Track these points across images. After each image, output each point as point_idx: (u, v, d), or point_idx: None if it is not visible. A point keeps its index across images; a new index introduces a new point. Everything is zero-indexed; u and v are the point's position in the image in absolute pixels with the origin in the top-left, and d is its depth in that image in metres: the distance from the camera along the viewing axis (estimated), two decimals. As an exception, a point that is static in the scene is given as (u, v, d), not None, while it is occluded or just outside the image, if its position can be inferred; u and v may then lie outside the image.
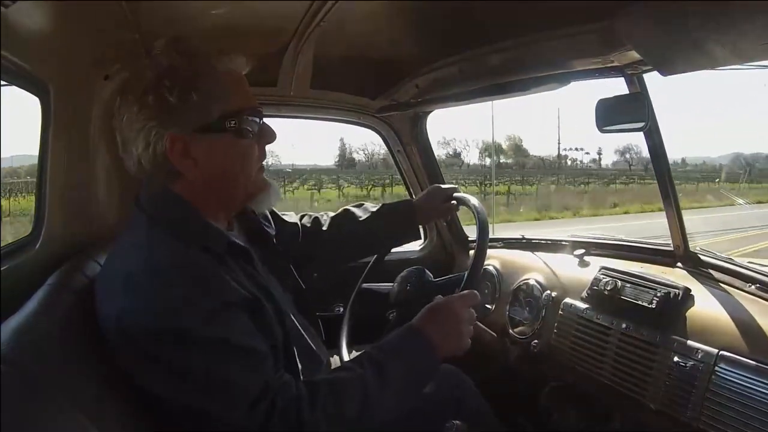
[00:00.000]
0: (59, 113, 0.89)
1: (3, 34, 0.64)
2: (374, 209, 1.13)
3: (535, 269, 1.32)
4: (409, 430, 0.83)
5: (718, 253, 1.09)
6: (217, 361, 0.64)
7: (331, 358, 0.99)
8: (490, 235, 1.15)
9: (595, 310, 1.10)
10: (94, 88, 0.98)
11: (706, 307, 0.94)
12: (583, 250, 1.28)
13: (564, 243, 1.37)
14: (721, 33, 0.72)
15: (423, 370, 0.77)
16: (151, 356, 0.64)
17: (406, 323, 0.80)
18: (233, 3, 0.91)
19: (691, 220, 1.12)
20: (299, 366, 0.77)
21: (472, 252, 1.07)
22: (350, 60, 1.30)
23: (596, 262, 1.21)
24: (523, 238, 1.52)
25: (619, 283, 1.06)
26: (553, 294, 1.22)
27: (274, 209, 1.01)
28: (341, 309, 1.47)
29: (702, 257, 1.07)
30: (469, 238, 1.68)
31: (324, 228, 1.10)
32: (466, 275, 0.91)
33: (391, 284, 1.21)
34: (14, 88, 0.80)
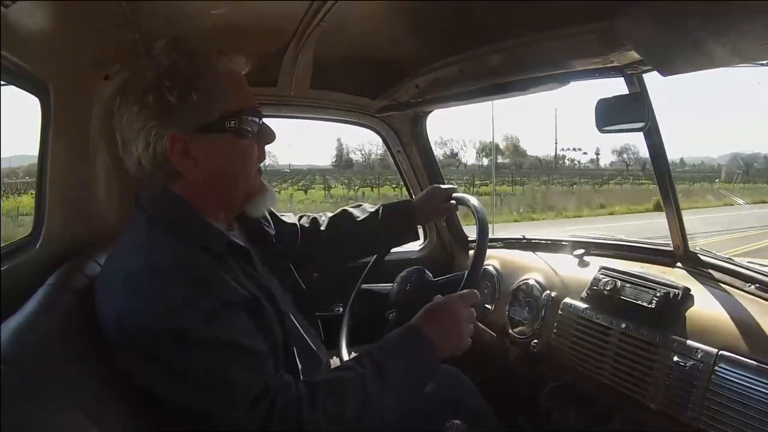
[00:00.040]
0: (59, 113, 0.89)
1: (3, 34, 0.64)
2: (373, 209, 1.13)
3: (534, 269, 1.32)
4: (409, 430, 0.83)
5: (718, 253, 1.09)
6: (217, 361, 0.64)
7: (331, 359, 0.99)
8: (490, 235, 1.15)
9: (595, 310, 1.10)
10: (94, 88, 0.98)
11: (705, 307, 0.94)
12: (582, 250, 1.28)
13: (564, 243, 1.37)
14: (721, 33, 0.72)
15: (423, 369, 0.77)
16: (151, 356, 0.64)
17: (406, 323, 0.80)
18: (233, 3, 0.91)
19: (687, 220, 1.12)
20: (299, 366, 0.77)
21: (471, 252, 1.07)
22: (350, 60, 1.30)
23: (596, 262, 1.21)
24: (524, 238, 1.52)
25: (619, 283, 1.06)
26: (553, 294, 1.22)
27: (273, 210, 1.01)
28: (341, 309, 1.47)
29: (702, 257, 1.07)
30: (469, 238, 1.68)
31: (322, 228, 1.10)
32: (465, 275, 0.91)
33: (391, 284, 1.21)
34: (14, 88, 0.80)
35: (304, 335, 0.87)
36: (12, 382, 0.51)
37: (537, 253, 1.40)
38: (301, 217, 1.12)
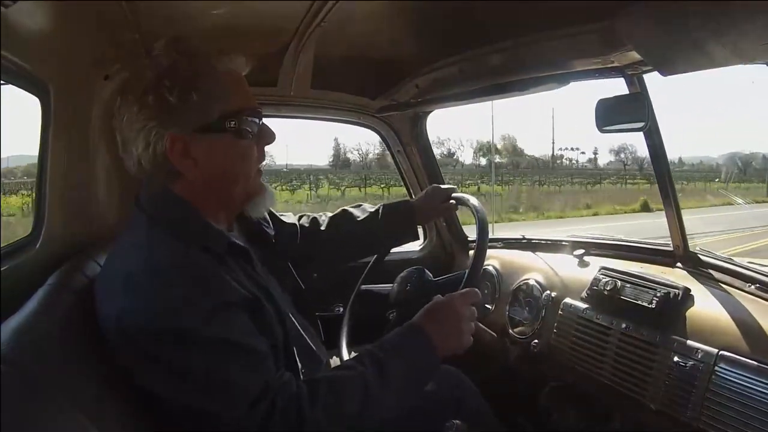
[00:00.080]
0: (59, 113, 0.89)
1: (3, 34, 0.64)
2: (373, 209, 1.13)
3: (534, 269, 1.32)
4: (409, 430, 0.83)
5: (717, 253, 1.09)
6: (217, 361, 0.64)
7: (331, 359, 0.99)
8: (490, 235, 1.15)
9: (595, 310, 1.10)
10: (94, 88, 0.98)
11: (705, 307, 0.94)
12: (582, 250, 1.28)
13: (564, 243, 1.37)
14: (722, 33, 0.72)
15: (424, 368, 0.77)
16: (151, 356, 0.64)
17: (407, 322, 0.80)
18: (233, 3, 0.91)
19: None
20: (299, 366, 0.77)
21: (471, 252, 1.07)
22: (350, 60, 1.30)
23: (596, 262, 1.21)
24: (524, 238, 1.52)
25: (619, 283, 1.06)
26: (553, 294, 1.22)
27: (272, 210, 1.01)
28: (341, 309, 1.47)
29: (702, 257, 1.07)
30: (469, 238, 1.68)
31: (322, 228, 1.10)
32: (466, 274, 0.91)
33: (391, 284, 1.21)
34: (14, 88, 0.80)
35: (304, 335, 0.87)
36: (12, 382, 0.51)
37: (537, 253, 1.40)
38: (300, 217, 1.12)
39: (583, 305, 1.13)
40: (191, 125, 0.71)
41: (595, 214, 14.01)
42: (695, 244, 1.11)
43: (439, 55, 1.21)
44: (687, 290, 0.97)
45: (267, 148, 0.81)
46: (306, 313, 0.93)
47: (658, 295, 0.98)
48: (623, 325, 1.02)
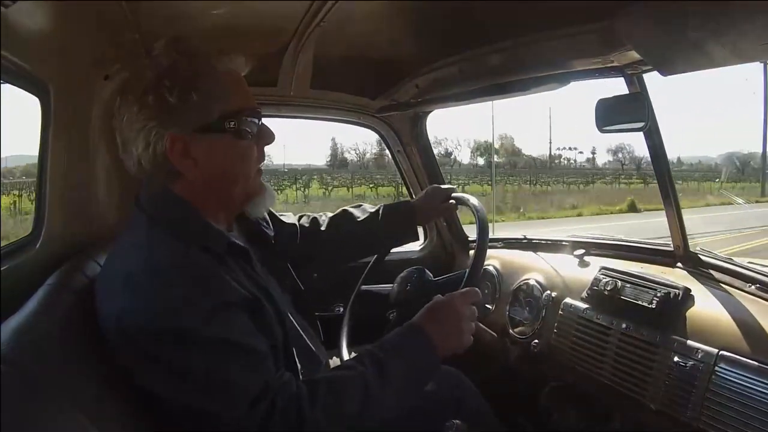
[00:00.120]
0: (59, 113, 0.89)
1: (3, 34, 0.64)
2: (373, 210, 1.13)
3: (535, 269, 1.32)
4: (409, 430, 0.83)
5: (718, 254, 1.09)
6: (217, 361, 0.64)
7: (331, 359, 0.99)
8: (491, 235, 1.15)
9: (595, 310, 1.10)
10: (94, 88, 0.98)
11: (706, 307, 0.94)
12: (583, 250, 1.28)
13: (564, 243, 1.37)
14: (722, 33, 0.72)
15: (424, 368, 0.77)
16: (151, 356, 0.64)
17: (407, 321, 0.80)
18: (233, 3, 0.91)
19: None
20: (298, 366, 0.77)
21: (472, 252, 1.07)
22: (350, 60, 1.30)
23: (596, 262, 1.21)
24: (524, 238, 1.52)
25: (619, 283, 1.06)
26: (553, 294, 1.22)
27: (272, 210, 1.01)
28: (341, 309, 1.47)
29: (702, 257, 1.07)
30: (469, 238, 1.68)
31: (322, 228, 1.10)
32: (466, 274, 0.91)
33: (391, 285, 1.21)
34: (14, 88, 0.80)
35: (303, 335, 0.87)
36: (12, 382, 0.51)
37: (537, 253, 1.40)
38: (300, 217, 1.12)
39: (583, 305, 1.13)
40: (191, 125, 0.71)
41: (579, 215, 13.71)
42: (695, 244, 1.11)
43: (439, 55, 1.21)
44: (687, 290, 0.97)
45: (266, 148, 0.81)
46: (305, 314, 0.93)
47: (659, 295, 0.98)
48: (623, 325, 1.02)
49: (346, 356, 1.04)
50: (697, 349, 0.88)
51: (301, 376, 0.75)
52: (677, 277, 1.04)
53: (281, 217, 1.06)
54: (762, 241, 7.24)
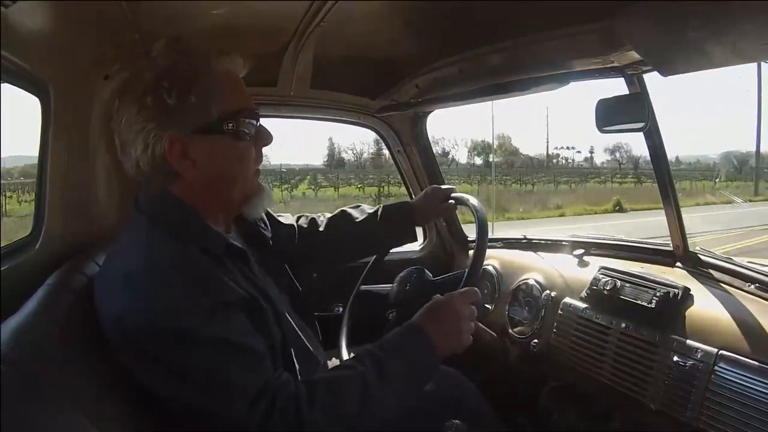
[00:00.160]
0: (59, 113, 0.89)
1: (3, 34, 0.64)
2: (372, 210, 1.13)
3: (534, 269, 1.32)
4: (409, 430, 0.83)
5: (717, 253, 1.09)
6: (216, 361, 0.64)
7: (330, 360, 0.99)
8: (490, 235, 1.15)
9: (595, 310, 1.10)
10: (94, 88, 0.98)
11: (705, 306, 0.94)
12: (582, 250, 1.28)
13: (563, 243, 1.37)
14: (722, 33, 0.72)
15: (424, 368, 0.77)
16: (150, 356, 0.64)
17: (407, 321, 0.80)
18: (233, 3, 0.91)
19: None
20: (297, 366, 0.77)
21: (471, 252, 1.07)
22: (350, 60, 1.30)
23: (596, 262, 1.21)
24: (524, 238, 1.52)
25: (619, 282, 1.06)
26: (553, 294, 1.22)
27: (270, 211, 1.01)
28: (340, 309, 1.47)
29: (702, 257, 1.07)
30: (469, 238, 1.68)
31: (321, 229, 1.10)
32: (465, 274, 0.91)
33: (391, 285, 1.21)
34: (14, 88, 0.80)
35: (301, 335, 0.87)
36: (12, 382, 0.51)
37: (537, 253, 1.40)
38: (299, 218, 1.12)
39: (582, 305, 1.13)
40: (190, 126, 0.71)
41: (561, 215, 13.39)
42: (698, 244, 1.11)
43: (439, 55, 1.21)
44: (687, 290, 0.97)
45: (263, 149, 0.81)
46: (303, 314, 0.93)
47: (658, 294, 0.98)
48: (623, 325, 1.02)
49: (345, 356, 1.04)
50: (697, 348, 0.88)
51: (299, 376, 0.75)
52: (677, 276, 1.05)
53: (279, 218, 1.06)
54: (755, 241, 7.24)
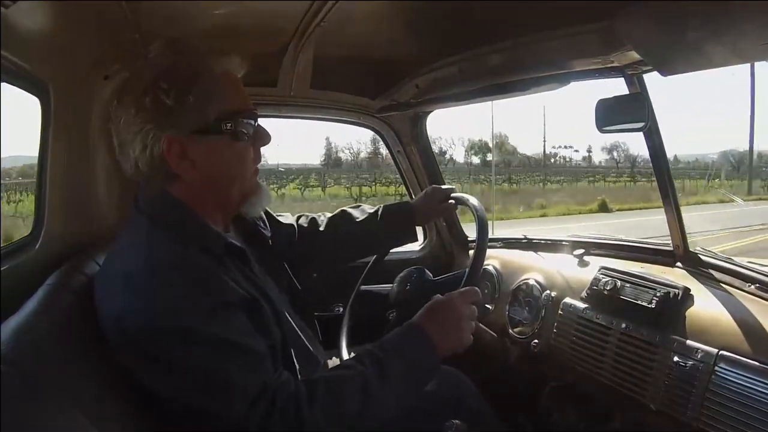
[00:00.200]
0: (59, 113, 0.89)
1: (3, 34, 0.64)
2: (372, 210, 1.13)
3: (534, 269, 1.32)
4: (409, 430, 0.83)
5: (717, 253, 1.09)
6: (216, 361, 0.64)
7: (330, 359, 0.99)
8: (490, 235, 1.15)
9: (595, 310, 1.10)
10: (94, 88, 0.98)
11: (705, 306, 0.94)
12: (582, 250, 1.28)
13: (564, 243, 1.37)
14: (722, 33, 0.72)
15: (424, 368, 0.77)
16: (151, 356, 0.64)
17: (407, 321, 0.80)
18: (233, 3, 0.91)
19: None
20: (297, 366, 0.77)
21: (471, 252, 1.07)
22: (350, 60, 1.30)
23: (596, 262, 1.21)
24: (524, 238, 1.52)
25: (619, 282, 1.06)
26: (553, 294, 1.22)
27: (269, 211, 1.01)
28: (341, 309, 1.47)
29: (702, 257, 1.07)
30: (469, 238, 1.68)
31: (321, 228, 1.10)
32: (466, 274, 0.91)
33: (391, 285, 1.21)
34: (14, 88, 0.80)
35: (301, 335, 0.87)
36: (12, 382, 0.51)
37: (537, 252, 1.40)
38: (299, 218, 1.12)
39: (582, 305, 1.13)
40: (188, 127, 0.71)
41: (543, 215, 12.99)
42: (694, 243, 1.11)
43: (439, 55, 1.21)
44: (687, 290, 0.97)
45: (261, 148, 0.81)
46: (303, 314, 0.93)
47: (658, 294, 0.98)
48: (623, 325, 1.02)
49: (345, 356, 1.05)
50: (697, 348, 0.88)
51: (299, 376, 0.75)
52: (677, 276, 1.05)
53: (279, 218, 1.06)
54: (746, 241, 7.23)
